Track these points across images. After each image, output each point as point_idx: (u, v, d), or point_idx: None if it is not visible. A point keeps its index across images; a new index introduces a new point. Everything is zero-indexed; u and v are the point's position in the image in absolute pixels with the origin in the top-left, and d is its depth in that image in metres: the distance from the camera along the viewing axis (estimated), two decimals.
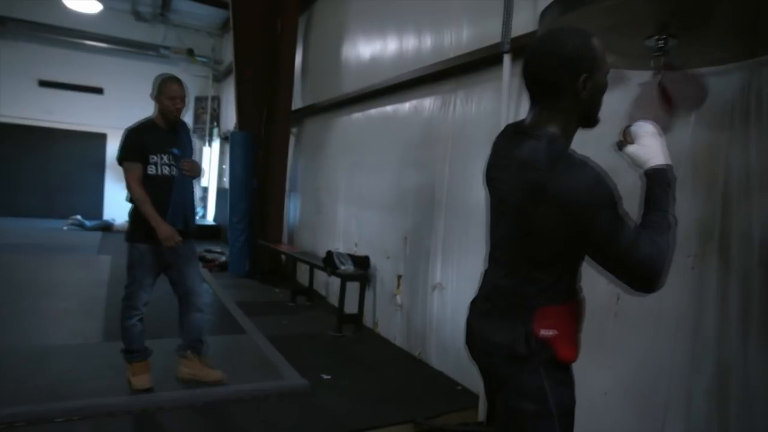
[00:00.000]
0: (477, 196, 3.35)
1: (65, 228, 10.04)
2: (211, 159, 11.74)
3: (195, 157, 3.18)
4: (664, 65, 1.60)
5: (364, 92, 4.91)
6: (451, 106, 3.74)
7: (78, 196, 11.17)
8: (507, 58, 2.95)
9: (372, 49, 5.05)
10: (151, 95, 2.97)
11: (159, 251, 2.91)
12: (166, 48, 10.89)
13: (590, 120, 1.30)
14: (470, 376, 3.30)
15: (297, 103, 6.91)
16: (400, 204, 4.33)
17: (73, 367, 3.22)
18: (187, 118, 3.06)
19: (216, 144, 11.58)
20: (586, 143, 1.38)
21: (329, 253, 4.73)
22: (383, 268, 4.55)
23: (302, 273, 6.12)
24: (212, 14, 10.42)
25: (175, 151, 2.96)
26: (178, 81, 2.98)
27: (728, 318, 1.94)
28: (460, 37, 3.66)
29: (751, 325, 1.87)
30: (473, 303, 1.43)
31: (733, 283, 1.93)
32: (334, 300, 5.03)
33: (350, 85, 5.35)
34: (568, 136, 1.28)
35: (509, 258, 1.32)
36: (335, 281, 4.78)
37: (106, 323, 4.20)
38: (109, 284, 5.59)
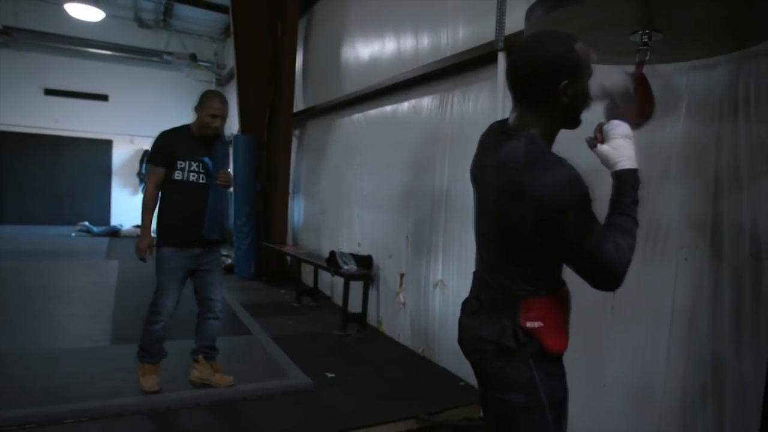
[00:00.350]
0: None
1: (73, 234, 10.17)
2: None
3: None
4: (640, 61, 1.62)
5: (364, 93, 4.95)
6: (449, 104, 3.77)
7: (85, 203, 11.31)
8: (501, 56, 2.98)
9: (371, 49, 5.09)
10: (194, 107, 3.00)
11: (183, 256, 2.95)
12: (170, 54, 10.99)
13: (572, 122, 1.32)
14: (472, 373, 3.32)
15: (299, 106, 6.96)
16: (402, 203, 4.36)
17: (82, 370, 3.28)
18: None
19: None
20: (572, 140, 1.40)
21: (332, 254, 4.77)
22: (386, 268, 4.59)
23: (307, 274, 6.17)
24: (214, 19, 10.50)
25: (206, 159, 2.97)
26: (222, 99, 2.99)
27: (722, 310, 1.96)
28: (456, 37, 3.69)
29: (743, 317, 1.89)
30: (465, 303, 1.47)
31: (726, 275, 1.95)
32: (338, 300, 5.07)
33: (350, 86, 5.40)
34: (550, 137, 1.31)
35: (492, 255, 1.36)
36: (340, 281, 4.83)
37: (114, 327, 4.27)
38: (116, 289, 5.68)
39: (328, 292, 5.87)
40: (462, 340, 1.45)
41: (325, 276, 5.62)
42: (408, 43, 4.37)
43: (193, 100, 3.10)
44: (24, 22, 9.80)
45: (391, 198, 4.52)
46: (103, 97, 11.17)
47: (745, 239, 1.89)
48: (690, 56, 1.95)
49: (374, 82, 4.74)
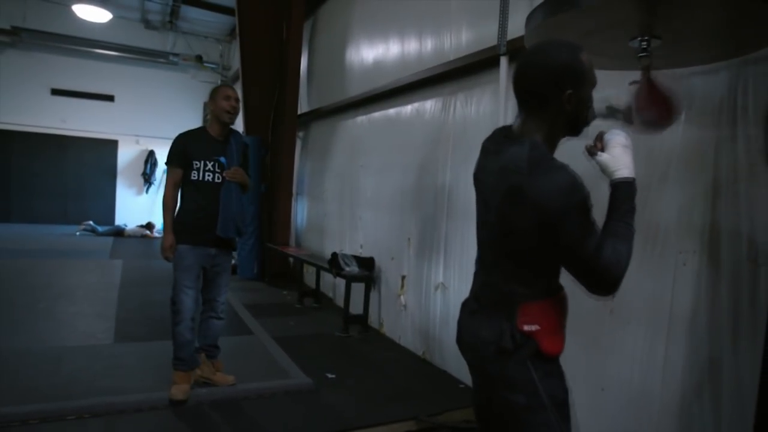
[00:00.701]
0: None
1: (78, 233, 10.24)
2: None
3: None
4: (644, 67, 1.64)
5: (368, 95, 4.98)
6: (452, 108, 3.79)
7: (90, 202, 11.38)
8: (504, 60, 3.01)
9: (375, 52, 5.12)
10: (206, 102, 3.05)
11: (198, 253, 2.97)
12: (176, 55, 11.07)
13: (575, 129, 1.34)
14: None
15: (303, 107, 7.00)
16: (404, 206, 4.38)
17: (85, 368, 3.31)
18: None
19: None
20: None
21: (334, 255, 4.79)
22: (388, 269, 4.60)
23: (309, 275, 6.19)
24: (220, 21, 10.57)
25: (222, 159, 3.00)
26: (230, 86, 3.00)
27: (719, 314, 1.97)
28: (459, 41, 3.72)
29: (740, 321, 1.90)
30: (464, 304, 1.49)
31: (723, 279, 1.96)
32: (340, 301, 5.09)
33: (354, 89, 5.43)
34: (552, 143, 1.33)
35: (492, 258, 1.38)
36: (342, 283, 4.85)
37: (117, 325, 4.31)
38: (120, 288, 5.73)
39: (330, 294, 5.89)
40: (461, 340, 1.47)
41: (327, 277, 5.65)
42: (412, 46, 4.39)
43: (199, 101, 3.15)
44: (32, 22, 9.90)
45: (394, 200, 4.54)
46: (109, 98, 11.26)
47: (743, 244, 1.90)
48: (689, 62, 1.97)
49: (378, 84, 4.77)
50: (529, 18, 1.78)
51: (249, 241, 6.80)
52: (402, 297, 4.34)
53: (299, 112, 6.92)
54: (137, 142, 11.51)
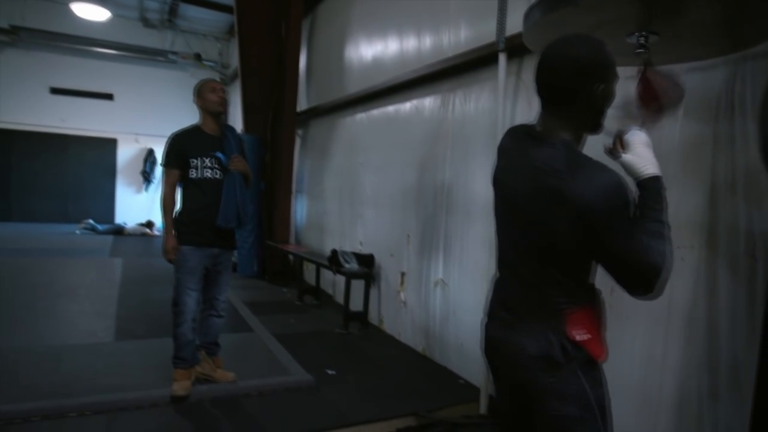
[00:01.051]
0: (476, 193, 3.41)
1: (78, 232, 10.24)
2: None
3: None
4: (645, 62, 1.64)
5: (367, 93, 4.98)
6: (451, 105, 3.79)
7: (90, 201, 11.38)
8: (502, 57, 3.00)
9: (374, 50, 5.12)
10: (194, 101, 3.04)
11: (202, 254, 2.96)
12: (174, 53, 11.05)
13: (597, 126, 1.32)
14: (472, 370, 3.35)
15: (302, 105, 7.00)
16: (403, 203, 4.39)
17: (86, 365, 3.32)
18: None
19: None
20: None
21: (334, 252, 4.81)
22: (387, 266, 4.61)
23: (309, 272, 6.20)
24: (219, 19, 10.55)
25: (219, 154, 2.99)
26: (212, 78, 2.99)
27: (718, 309, 1.98)
28: (458, 37, 3.72)
29: (739, 316, 1.91)
30: (491, 314, 1.42)
31: (722, 275, 1.97)
32: (340, 298, 5.10)
33: (353, 86, 5.43)
34: (579, 141, 1.31)
35: (526, 264, 1.32)
36: (342, 280, 4.86)
37: (118, 323, 4.32)
38: (120, 286, 5.74)
39: (329, 291, 5.90)
40: (493, 356, 1.40)
41: (327, 274, 5.66)
42: (410, 43, 4.39)
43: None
44: (30, 21, 9.88)
45: (393, 197, 4.55)
46: (109, 96, 11.24)
47: (741, 239, 1.90)
48: (687, 58, 1.97)
49: (377, 82, 4.77)
50: (528, 15, 1.79)
51: (249, 238, 6.81)
52: (402, 294, 4.35)
53: (298, 110, 6.92)
54: (137, 141, 11.51)
